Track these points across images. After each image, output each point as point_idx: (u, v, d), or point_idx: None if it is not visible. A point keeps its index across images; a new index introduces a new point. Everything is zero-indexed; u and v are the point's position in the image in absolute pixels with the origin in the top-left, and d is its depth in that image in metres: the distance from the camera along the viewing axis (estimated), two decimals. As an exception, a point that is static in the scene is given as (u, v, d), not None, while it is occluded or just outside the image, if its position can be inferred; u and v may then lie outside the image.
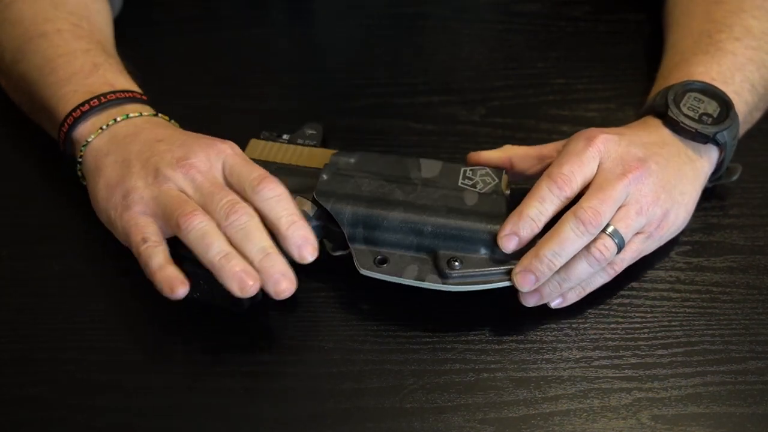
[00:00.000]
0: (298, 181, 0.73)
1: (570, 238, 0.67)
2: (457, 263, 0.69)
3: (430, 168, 0.73)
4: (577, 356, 0.70)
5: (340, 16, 0.99)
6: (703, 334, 0.71)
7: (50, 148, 0.80)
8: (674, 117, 0.73)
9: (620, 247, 0.69)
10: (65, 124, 0.74)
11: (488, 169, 0.73)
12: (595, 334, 0.71)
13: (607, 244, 0.68)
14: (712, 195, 0.80)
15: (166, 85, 0.88)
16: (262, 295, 0.68)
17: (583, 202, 0.68)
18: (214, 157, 0.70)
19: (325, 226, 0.72)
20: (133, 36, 0.92)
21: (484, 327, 0.71)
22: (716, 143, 0.73)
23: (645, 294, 0.73)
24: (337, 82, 0.91)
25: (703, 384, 0.68)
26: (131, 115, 0.74)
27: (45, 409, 0.67)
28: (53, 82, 0.77)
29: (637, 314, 0.72)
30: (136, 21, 0.95)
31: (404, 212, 0.70)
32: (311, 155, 0.76)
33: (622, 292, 0.74)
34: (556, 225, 0.68)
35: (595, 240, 0.68)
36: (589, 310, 0.73)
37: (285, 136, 0.78)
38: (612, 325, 0.72)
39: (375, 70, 0.93)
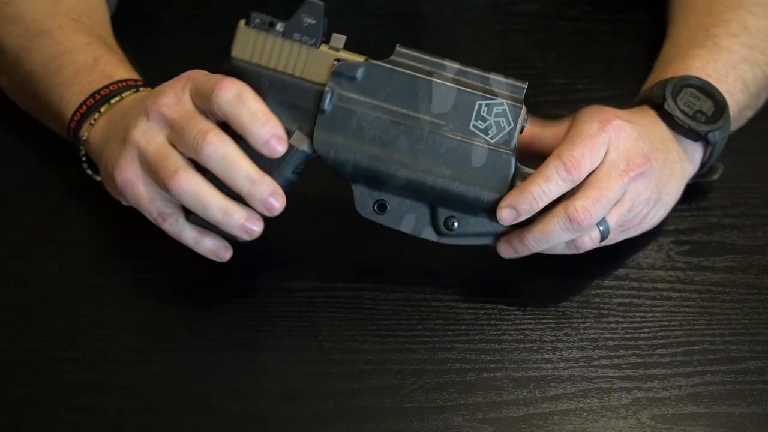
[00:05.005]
0: (296, 102, 0.68)
1: (556, 232, 0.68)
2: (454, 224, 0.69)
3: (442, 100, 0.67)
4: (577, 356, 0.70)
5: (340, 16, 0.98)
6: (703, 333, 0.71)
7: (51, 148, 0.81)
8: (670, 111, 0.73)
9: (604, 237, 0.69)
10: (70, 128, 0.75)
11: (505, 105, 0.67)
12: (595, 334, 0.71)
13: (593, 236, 0.69)
14: (712, 195, 0.80)
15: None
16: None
17: (577, 200, 0.67)
18: (180, 90, 0.68)
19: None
20: (132, 36, 0.92)
21: (484, 326, 0.71)
22: (706, 142, 0.73)
23: (645, 294, 0.73)
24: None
25: (703, 384, 0.68)
26: (125, 95, 0.74)
27: (45, 409, 0.67)
28: (59, 83, 0.77)
29: (637, 314, 0.72)
30: (136, 21, 0.95)
31: (407, 174, 0.68)
32: (311, 61, 0.68)
33: (622, 292, 0.74)
34: (547, 216, 0.68)
35: None
36: (589, 310, 0.73)
37: (279, 27, 0.68)
38: (612, 325, 0.72)
39: (375, 70, 0.92)
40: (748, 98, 0.79)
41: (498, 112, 0.68)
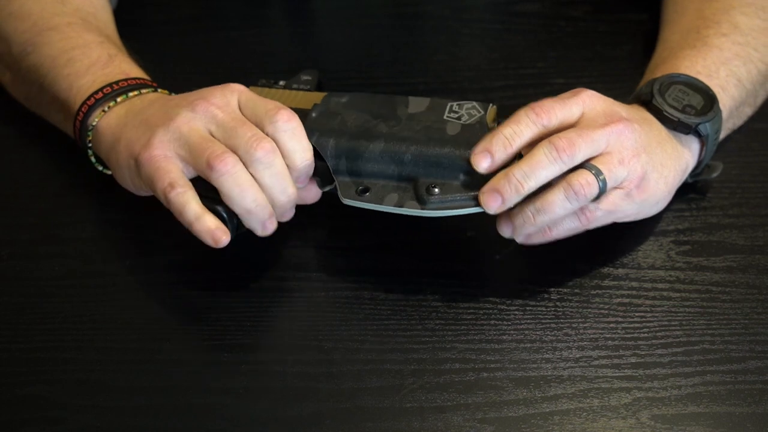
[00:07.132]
0: None
1: (542, 161, 0.67)
2: (435, 189, 0.69)
3: (417, 104, 0.74)
4: (577, 356, 0.70)
5: (340, 16, 0.99)
6: (703, 333, 0.71)
7: (51, 148, 0.81)
8: (658, 105, 0.73)
9: (602, 190, 0.68)
10: (80, 112, 0.75)
11: (475, 103, 0.73)
12: (595, 333, 0.71)
13: (589, 180, 0.67)
14: (711, 195, 0.80)
15: (165, 86, 0.88)
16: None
17: (560, 133, 0.68)
18: (229, 94, 0.71)
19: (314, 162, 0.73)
20: (132, 36, 0.92)
21: (484, 326, 0.71)
22: (698, 135, 0.73)
23: (645, 294, 0.73)
24: (337, 82, 0.91)
25: (703, 384, 0.68)
26: (143, 91, 0.75)
27: (45, 409, 0.67)
28: (69, 73, 0.77)
29: (637, 314, 0.72)
30: (136, 21, 0.95)
31: (385, 143, 0.71)
32: (306, 98, 0.77)
33: (622, 292, 0.74)
34: (531, 150, 0.68)
35: (577, 173, 0.68)
36: (589, 310, 0.73)
37: (281, 83, 0.79)
38: (612, 325, 0.72)
39: (375, 70, 0.93)
40: (744, 94, 0.79)
41: (468, 107, 0.73)
